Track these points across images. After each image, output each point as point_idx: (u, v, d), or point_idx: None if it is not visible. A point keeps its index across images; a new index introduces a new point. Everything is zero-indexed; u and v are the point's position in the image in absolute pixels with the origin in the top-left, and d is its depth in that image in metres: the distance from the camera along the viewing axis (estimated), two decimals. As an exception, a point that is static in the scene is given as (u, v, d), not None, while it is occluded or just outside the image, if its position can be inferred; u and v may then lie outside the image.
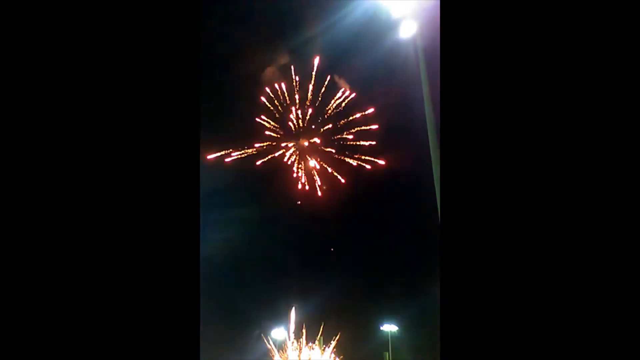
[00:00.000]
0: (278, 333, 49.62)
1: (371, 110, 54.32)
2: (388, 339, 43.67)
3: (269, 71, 55.35)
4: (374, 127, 54.52)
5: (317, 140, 56.10)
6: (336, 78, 54.84)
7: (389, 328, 44.07)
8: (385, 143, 53.42)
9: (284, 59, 55.00)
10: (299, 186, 56.33)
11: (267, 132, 56.55)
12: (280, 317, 50.99)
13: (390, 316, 44.74)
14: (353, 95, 54.77)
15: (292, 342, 49.81)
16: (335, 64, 54.54)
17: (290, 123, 56.51)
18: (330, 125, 55.89)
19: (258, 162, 55.69)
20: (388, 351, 43.58)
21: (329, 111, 55.24)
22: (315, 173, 56.30)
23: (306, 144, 56.15)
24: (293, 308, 50.87)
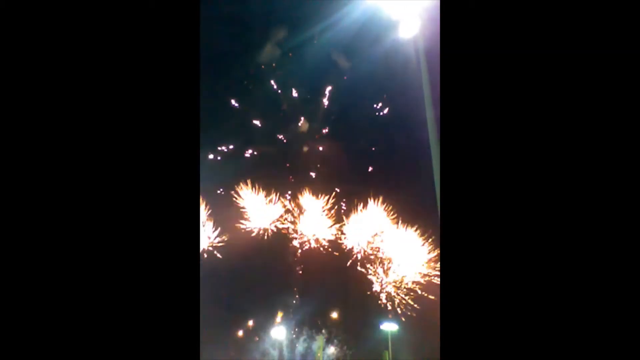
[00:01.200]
0: (277, 332, 49.64)
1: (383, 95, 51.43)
2: (388, 338, 43.61)
3: (264, 59, 53.52)
4: (383, 112, 51.43)
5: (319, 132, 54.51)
6: (336, 58, 52.48)
7: (389, 327, 43.99)
8: (386, 142, 53.20)
9: (281, 57, 54.23)
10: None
11: (254, 122, 51.96)
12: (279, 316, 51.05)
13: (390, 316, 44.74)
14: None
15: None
16: (334, 66, 54.16)
17: (283, 113, 53.25)
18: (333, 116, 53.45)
19: (247, 154, 51.43)
20: (388, 350, 43.53)
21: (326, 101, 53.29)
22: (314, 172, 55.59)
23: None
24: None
